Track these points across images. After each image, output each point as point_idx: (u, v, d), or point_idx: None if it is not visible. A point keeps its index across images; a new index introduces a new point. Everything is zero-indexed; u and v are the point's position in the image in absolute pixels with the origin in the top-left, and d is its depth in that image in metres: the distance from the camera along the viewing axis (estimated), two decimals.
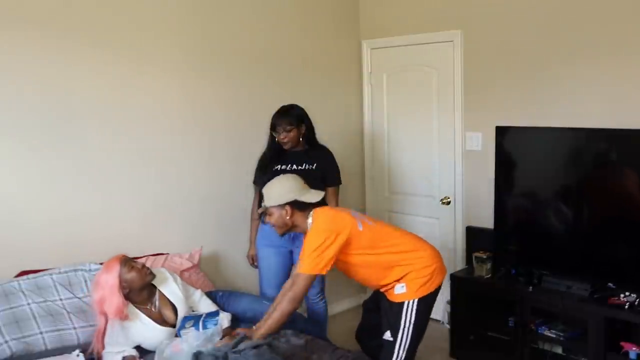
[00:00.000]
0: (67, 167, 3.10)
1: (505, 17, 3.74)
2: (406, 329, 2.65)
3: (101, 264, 3.05)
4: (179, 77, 3.54)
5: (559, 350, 3.38)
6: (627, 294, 3.09)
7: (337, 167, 3.55)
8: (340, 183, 3.57)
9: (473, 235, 3.94)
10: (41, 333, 2.69)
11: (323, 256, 2.54)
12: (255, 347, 2.45)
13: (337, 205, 3.48)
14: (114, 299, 2.67)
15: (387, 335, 2.71)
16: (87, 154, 3.17)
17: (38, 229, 3.00)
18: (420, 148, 4.34)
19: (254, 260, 3.64)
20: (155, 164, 3.47)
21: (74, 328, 2.78)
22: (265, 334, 2.59)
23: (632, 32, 3.23)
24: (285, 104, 3.47)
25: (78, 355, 2.63)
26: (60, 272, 2.91)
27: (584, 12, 3.40)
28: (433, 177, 4.28)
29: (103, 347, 2.69)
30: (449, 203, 4.19)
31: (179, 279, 3.02)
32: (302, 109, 3.43)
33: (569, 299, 3.23)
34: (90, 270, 2.99)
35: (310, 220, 2.68)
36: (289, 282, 2.78)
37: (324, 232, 2.58)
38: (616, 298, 3.09)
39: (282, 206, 2.68)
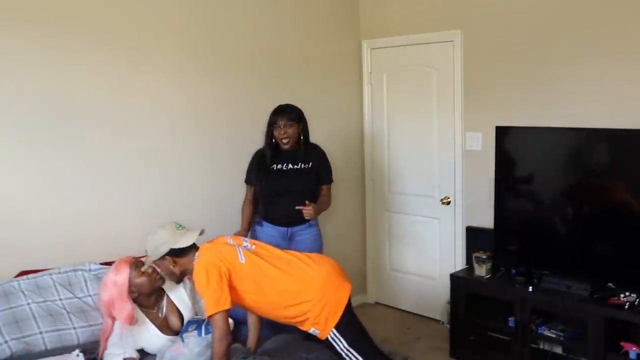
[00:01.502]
0: (67, 167, 3.10)
1: (505, 17, 3.74)
2: (349, 352, 2.55)
3: (101, 264, 3.06)
4: (179, 76, 3.54)
5: (559, 350, 3.38)
6: (627, 294, 3.09)
7: (330, 165, 3.59)
8: (333, 181, 3.61)
9: (473, 235, 3.95)
10: (41, 333, 2.69)
11: (218, 290, 2.47)
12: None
13: (330, 201, 3.55)
14: (124, 305, 2.65)
15: None
16: (87, 154, 3.17)
17: (38, 229, 3.00)
18: (420, 148, 4.34)
19: None
20: (156, 164, 3.47)
21: (74, 328, 2.78)
22: None
23: (632, 32, 3.22)
24: (292, 103, 3.49)
25: (78, 355, 2.61)
26: (60, 272, 2.91)
27: (584, 12, 3.40)
28: (433, 177, 4.28)
29: (106, 348, 2.69)
30: (449, 203, 4.19)
31: (188, 283, 3.00)
32: (299, 108, 3.44)
33: (569, 299, 3.22)
34: (90, 270, 2.99)
35: (194, 259, 2.62)
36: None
37: (204, 269, 2.50)
38: (616, 298, 3.09)
39: (163, 258, 2.66)
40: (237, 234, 3.40)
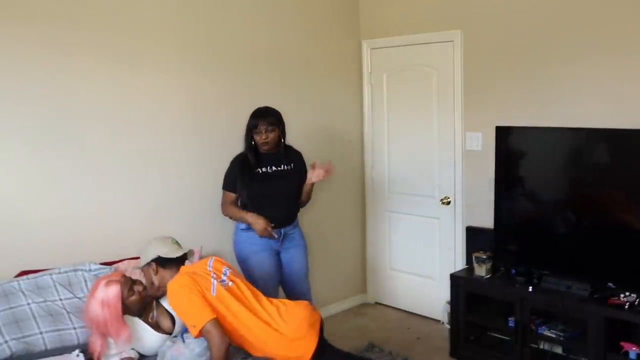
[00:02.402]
0: (67, 167, 3.10)
1: (505, 17, 3.74)
2: None
3: (101, 264, 3.06)
4: (179, 77, 3.54)
5: (559, 350, 3.37)
6: (627, 294, 3.09)
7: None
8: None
9: (473, 235, 3.95)
10: (41, 333, 2.68)
11: (197, 302, 2.49)
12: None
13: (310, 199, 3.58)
14: (120, 326, 2.64)
15: None
16: (87, 154, 3.17)
17: (38, 229, 3.00)
18: (420, 148, 4.34)
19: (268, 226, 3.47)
20: (156, 164, 3.46)
21: (74, 328, 2.77)
22: None
23: (632, 33, 3.22)
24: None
25: (78, 356, 2.62)
26: (60, 272, 2.91)
27: (584, 12, 3.40)
28: (433, 177, 4.28)
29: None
30: (449, 203, 4.19)
31: None
32: (278, 111, 3.43)
33: (569, 299, 3.23)
34: (90, 270, 2.98)
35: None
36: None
37: (179, 287, 2.54)
38: (616, 298, 3.09)
39: (149, 264, 2.74)
40: (251, 221, 3.38)
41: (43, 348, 2.67)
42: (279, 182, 3.40)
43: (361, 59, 4.61)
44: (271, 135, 3.34)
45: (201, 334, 2.47)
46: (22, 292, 2.75)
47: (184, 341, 2.69)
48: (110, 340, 2.65)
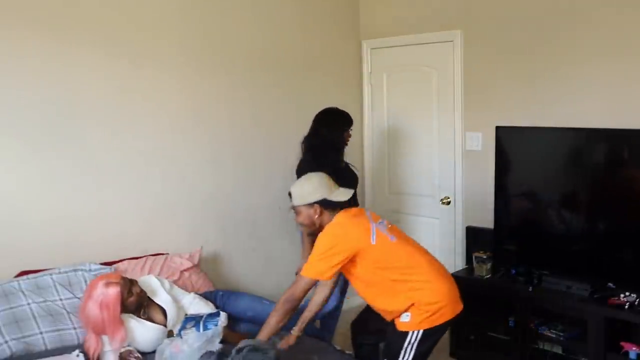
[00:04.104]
0: (67, 167, 3.10)
1: (505, 17, 3.74)
2: (407, 356, 2.53)
3: (101, 264, 3.06)
4: (180, 76, 3.54)
5: (559, 350, 3.37)
6: (627, 294, 3.09)
7: None
8: None
9: (473, 235, 3.94)
10: (41, 333, 2.69)
11: (327, 262, 2.50)
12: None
13: None
14: (117, 328, 2.64)
15: None
16: (87, 154, 3.17)
17: (38, 228, 3.00)
18: (420, 148, 4.34)
19: None
20: (156, 164, 3.46)
21: (74, 328, 2.78)
22: (268, 335, 2.60)
23: (632, 33, 3.22)
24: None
25: (78, 356, 2.61)
26: (60, 272, 2.91)
27: (584, 13, 3.40)
28: (433, 177, 4.28)
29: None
30: (449, 203, 4.19)
31: (167, 283, 3.01)
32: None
33: (569, 299, 3.23)
34: (90, 270, 2.98)
35: (333, 220, 2.64)
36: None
37: (334, 237, 2.53)
38: (616, 298, 3.09)
39: (310, 205, 2.64)
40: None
41: (43, 348, 2.67)
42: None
43: (361, 59, 4.61)
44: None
45: (300, 275, 2.59)
46: (22, 292, 2.75)
47: (181, 337, 2.69)
48: (105, 337, 2.66)
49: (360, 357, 2.86)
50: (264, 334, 2.60)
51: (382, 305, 2.62)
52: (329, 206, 2.64)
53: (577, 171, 3.39)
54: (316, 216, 2.64)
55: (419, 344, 2.51)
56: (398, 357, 2.53)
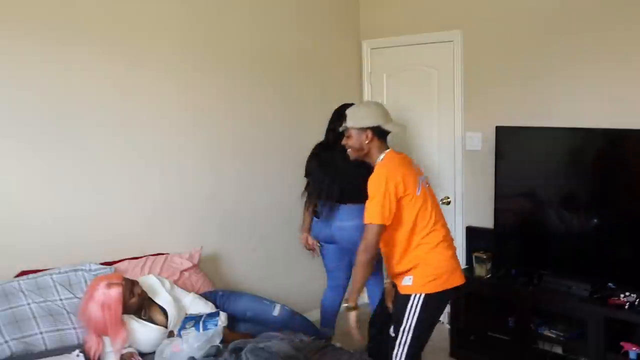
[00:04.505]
0: (67, 167, 3.10)
1: (505, 17, 3.74)
2: (408, 326, 2.57)
3: (101, 264, 3.06)
4: (180, 76, 3.54)
5: (559, 350, 3.38)
6: (627, 294, 3.09)
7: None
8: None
9: (473, 235, 3.94)
10: (41, 333, 2.68)
11: (387, 204, 2.48)
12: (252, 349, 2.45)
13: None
14: (118, 329, 2.64)
15: (391, 331, 2.67)
16: (87, 154, 3.17)
17: (38, 229, 3.00)
18: (420, 148, 4.33)
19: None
20: (156, 164, 3.46)
21: (74, 328, 2.77)
22: (357, 294, 2.61)
23: (632, 33, 3.22)
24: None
25: (78, 356, 2.61)
26: (60, 272, 2.91)
27: (584, 13, 3.40)
28: (433, 177, 4.27)
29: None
30: (449, 203, 4.19)
31: (167, 283, 3.02)
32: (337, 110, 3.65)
33: (569, 299, 3.23)
34: (90, 270, 2.98)
35: (381, 157, 2.64)
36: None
37: (385, 178, 2.51)
38: (616, 298, 3.09)
39: (363, 129, 2.63)
40: None
41: (43, 348, 2.67)
42: None
43: (361, 59, 4.61)
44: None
45: (366, 226, 2.52)
46: (22, 292, 2.75)
47: (181, 337, 2.69)
48: (106, 338, 2.66)
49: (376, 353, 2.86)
50: (353, 294, 2.60)
51: (390, 262, 2.66)
52: (381, 135, 2.64)
53: (577, 171, 3.39)
54: (366, 142, 2.64)
55: (421, 308, 2.55)
56: (402, 319, 2.58)
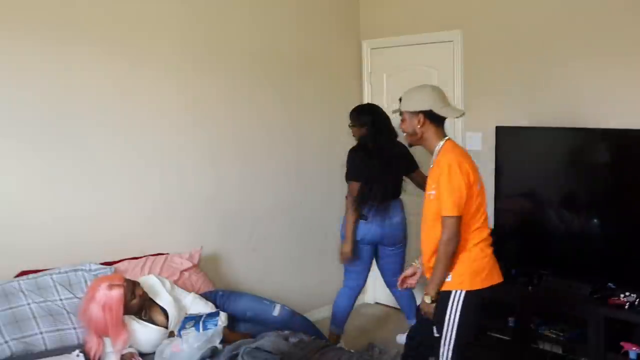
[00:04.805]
0: (67, 167, 3.10)
1: (505, 17, 3.74)
2: (451, 324, 2.51)
3: (101, 264, 3.06)
4: (179, 76, 3.53)
5: (559, 350, 3.37)
6: (627, 294, 3.09)
7: (349, 163, 3.64)
8: (347, 179, 3.64)
9: None
10: (41, 333, 2.68)
11: (458, 193, 2.42)
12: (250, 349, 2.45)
13: (350, 200, 3.59)
14: (119, 330, 2.64)
15: (435, 331, 2.60)
16: (87, 154, 3.17)
17: (38, 228, 3.00)
18: (420, 148, 4.31)
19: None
20: (156, 164, 3.46)
21: (74, 328, 2.77)
22: (437, 286, 2.51)
23: (632, 33, 3.22)
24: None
25: (78, 356, 2.61)
26: (60, 272, 2.91)
27: (584, 13, 3.40)
28: None
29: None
30: None
31: (167, 284, 3.01)
32: (366, 114, 3.71)
33: (569, 299, 3.22)
34: (90, 270, 2.98)
35: (440, 144, 2.55)
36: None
37: (461, 165, 2.44)
38: (616, 298, 3.09)
39: (415, 113, 2.54)
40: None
41: (43, 348, 2.67)
42: None
43: (361, 59, 4.61)
44: (353, 130, 3.69)
45: (443, 219, 2.45)
46: (22, 292, 2.75)
47: (181, 337, 2.69)
48: (107, 339, 2.66)
49: None
50: (434, 286, 2.51)
51: (429, 257, 2.59)
52: (434, 120, 2.54)
53: (577, 171, 3.39)
54: (419, 126, 2.55)
55: (462, 304, 2.49)
56: (444, 317, 2.51)
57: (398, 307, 4.61)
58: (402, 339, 4.00)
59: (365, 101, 4.63)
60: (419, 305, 2.66)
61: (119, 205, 3.30)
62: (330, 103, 4.44)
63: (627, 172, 3.17)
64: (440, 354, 2.55)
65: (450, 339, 2.52)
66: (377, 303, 4.77)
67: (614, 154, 3.25)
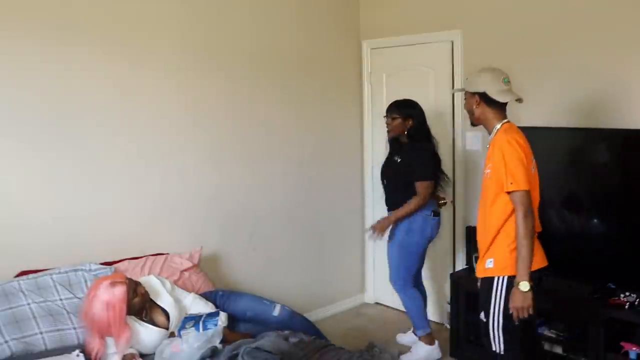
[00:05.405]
0: (67, 167, 3.10)
1: (505, 17, 3.74)
2: (497, 309, 2.53)
3: (101, 264, 3.06)
4: (179, 76, 3.54)
5: (559, 350, 3.37)
6: (627, 294, 3.09)
7: (422, 162, 3.63)
8: (424, 179, 3.62)
9: (473, 235, 3.92)
10: (41, 333, 2.68)
11: (522, 169, 2.45)
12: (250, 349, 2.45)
13: (424, 199, 3.59)
14: (122, 329, 2.63)
15: (482, 316, 2.63)
16: (87, 154, 3.17)
17: (38, 228, 3.00)
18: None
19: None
20: (156, 164, 3.46)
21: (74, 328, 2.77)
22: (528, 268, 2.45)
23: (632, 33, 3.22)
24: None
25: (78, 355, 2.61)
26: (60, 272, 2.91)
27: (584, 13, 3.40)
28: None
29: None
30: (445, 204, 4.18)
31: (168, 284, 3.01)
32: (411, 107, 3.66)
33: (569, 299, 3.22)
34: (90, 270, 2.98)
35: (497, 126, 2.61)
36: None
37: (518, 143, 2.51)
38: (616, 298, 3.09)
39: (472, 94, 2.67)
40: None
41: (43, 348, 2.67)
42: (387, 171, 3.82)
43: (361, 59, 4.61)
44: (392, 124, 3.67)
45: (512, 196, 2.46)
46: (22, 292, 2.75)
47: (181, 337, 2.69)
48: (109, 339, 2.65)
49: None
50: (523, 271, 2.44)
51: (480, 244, 2.64)
52: (490, 102, 2.62)
53: (577, 171, 3.38)
54: (474, 106, 2.66)
55: (507, 290, 2.50)
56: (489, 304, 2.54)
57: (398, 307, 4.62)
58: (402, 339, 4.01)
59: (365, 101, 4.64)
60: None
61: (119, 205, 3.31)
62: (330, 103, 4.44)
63: (627, 172, 3.16)
64: (492, 337, 2.59)
65: (498, 323, 2.55)
66: (377, 303, 4.77)
67: (614, 154, 3.25)
